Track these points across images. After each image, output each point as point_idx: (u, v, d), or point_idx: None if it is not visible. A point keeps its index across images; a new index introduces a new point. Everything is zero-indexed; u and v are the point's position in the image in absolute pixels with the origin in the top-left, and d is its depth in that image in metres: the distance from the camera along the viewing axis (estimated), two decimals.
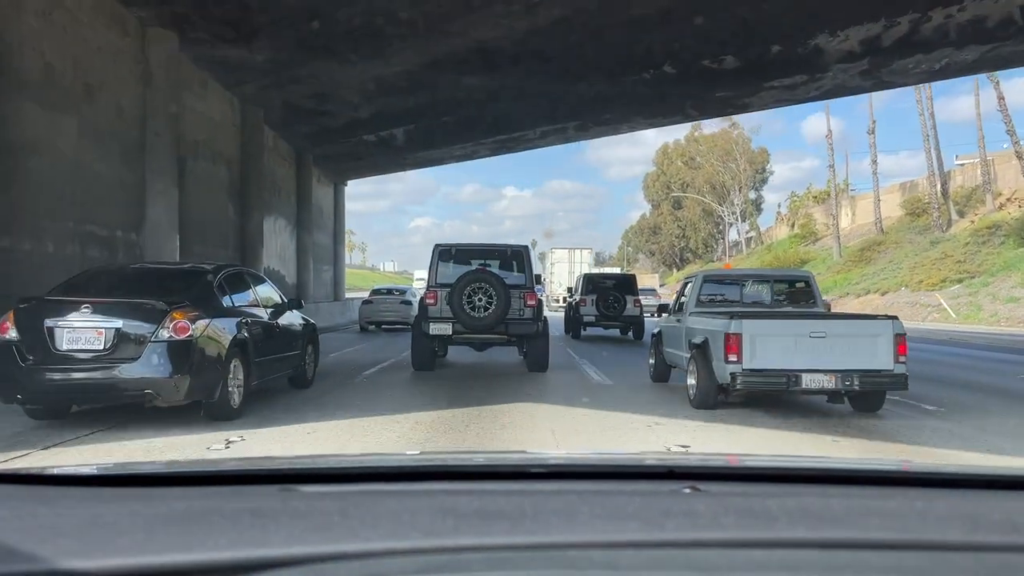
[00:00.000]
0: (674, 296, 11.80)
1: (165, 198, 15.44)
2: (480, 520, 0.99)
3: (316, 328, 10.74)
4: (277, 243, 25.56)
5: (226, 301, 8.15)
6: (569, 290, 24.60)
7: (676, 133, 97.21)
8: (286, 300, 9.90)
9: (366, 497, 1.15)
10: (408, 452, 4.74)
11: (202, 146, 18.81)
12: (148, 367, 6.93)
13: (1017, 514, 1.11)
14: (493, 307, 11.34)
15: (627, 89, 19.92)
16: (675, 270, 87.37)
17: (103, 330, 6.92)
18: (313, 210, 30.36)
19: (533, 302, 11.77)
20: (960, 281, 38.17)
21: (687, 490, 1.18)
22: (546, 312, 13.24)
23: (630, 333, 21.09)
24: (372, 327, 24.21)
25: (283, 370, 9.33)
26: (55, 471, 1.32)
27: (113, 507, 1.08)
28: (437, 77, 17.59)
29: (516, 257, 12.54)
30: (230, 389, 7.64)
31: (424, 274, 14.00)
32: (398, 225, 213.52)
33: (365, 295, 26.56)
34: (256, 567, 0.85)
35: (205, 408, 7.51)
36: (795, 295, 10.51)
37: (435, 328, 11.69)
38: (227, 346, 7.54)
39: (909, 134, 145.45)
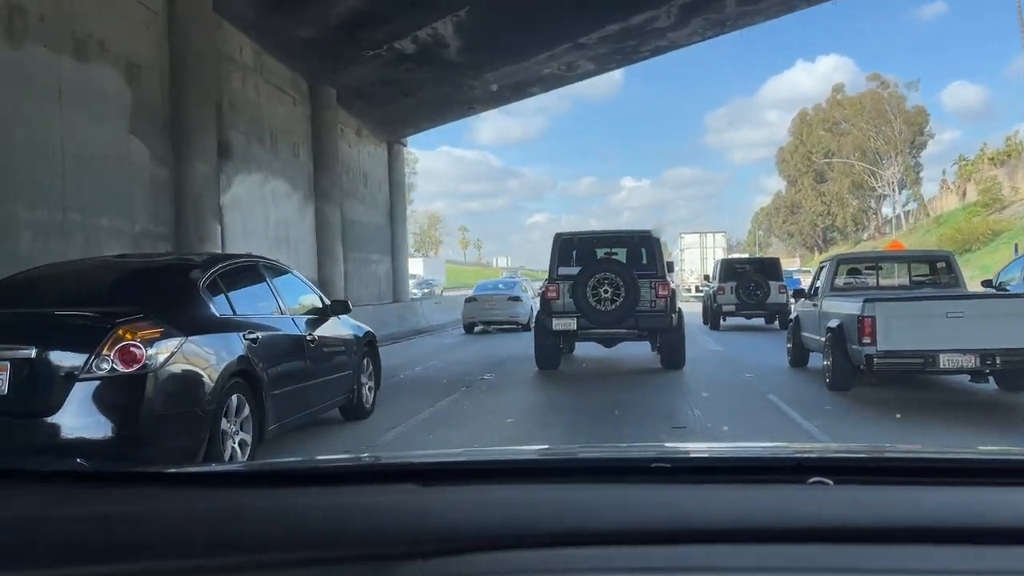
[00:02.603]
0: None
1: None
2: (610, 514, 1.01)
3: (375, 338, 8.17)
4: (269, 217, 16.60)
5: (221, 308, 5.61)
6: (706, 277, 23.36)
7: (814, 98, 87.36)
8: (328, 303, 7.34)
9: (502, 492, 1.16)
10: (543, 446, 4.18)
11: (37, 21, 9.89)
12: (73, 422, 4.50)
13: None
14: (621, 299, 10.45)
15: None
16: (817, 252, 76.29)
17: (5, 364, 4.53)
18: (347, 174, 21.36)
19: (665, 292, 10.76)
20: None
21: (817, 484, 1.15)
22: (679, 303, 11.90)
23: (776, 322, 18.96)
24: (479, 328, 20.89)
25: (325, 400, 6.92)
26: (208, 469, 1.47)
27: (258, 502, 1.12)
28: None
29: (644, 244, 11.57)
30: (226, 441, 5.17)
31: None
32: (515, 222, 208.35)
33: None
34: (393, 558, 0.89)
35: None
36: (935, 275, 10.52)
37: (558, 323, 10.81)
38: (219, 377, 5.08)
39: None
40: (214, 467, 1.44)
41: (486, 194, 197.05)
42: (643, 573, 0.88)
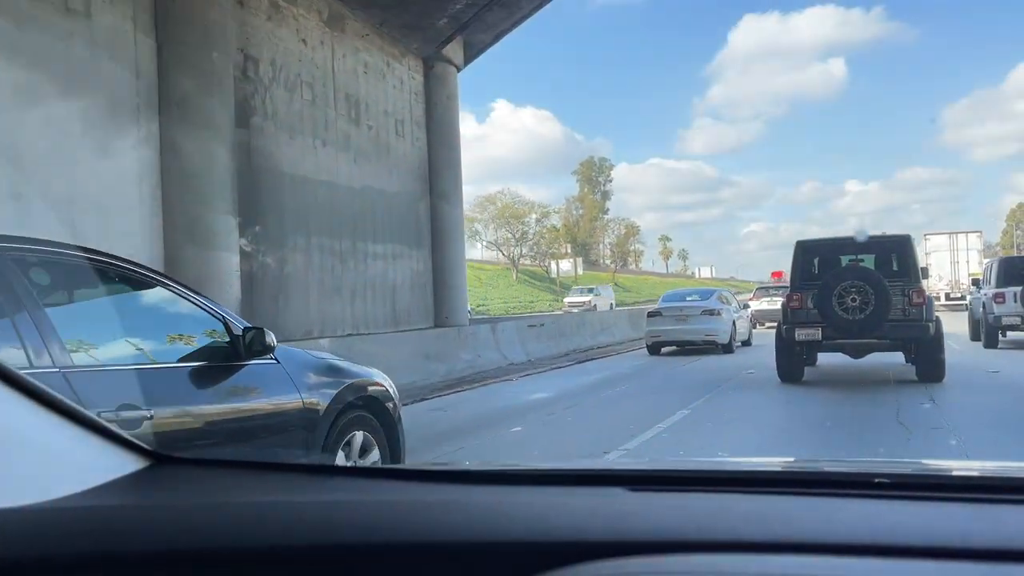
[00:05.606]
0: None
1: None
2: (811, 525, 0.98)
3: (387, 394, 4.65)
4: None
5: None
6: (975, 282, 19.66)
7: None
8: (246, 328, 3.72)
9: (704, 500, 1.15)
10: (755, 458, 3.98)
11: None
12: None
13: None
14: (871, 308, 10.10)
15: None
16: None
17: None
18: (292, 91, 11.50)
19: (920, 299, 10.30)
20: None
21: None
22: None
23: None
24: (666, 348, 17.41)
25: None
26: (441, 468, 1.52)
27: (474, 497, 1.17)
28: None
29: (896, 249, 11.14)
30: None
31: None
32: (731, 232, 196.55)
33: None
34: (594, 554, 0.92)
35: None
36: None
37: (802, 334, 10.55)
38: None
39: None
40: (447, 466, 1.44)
41: (698, 205, 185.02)
42: None
